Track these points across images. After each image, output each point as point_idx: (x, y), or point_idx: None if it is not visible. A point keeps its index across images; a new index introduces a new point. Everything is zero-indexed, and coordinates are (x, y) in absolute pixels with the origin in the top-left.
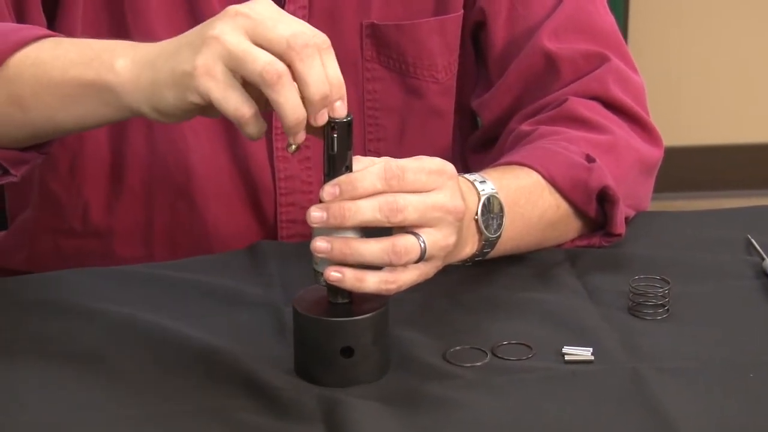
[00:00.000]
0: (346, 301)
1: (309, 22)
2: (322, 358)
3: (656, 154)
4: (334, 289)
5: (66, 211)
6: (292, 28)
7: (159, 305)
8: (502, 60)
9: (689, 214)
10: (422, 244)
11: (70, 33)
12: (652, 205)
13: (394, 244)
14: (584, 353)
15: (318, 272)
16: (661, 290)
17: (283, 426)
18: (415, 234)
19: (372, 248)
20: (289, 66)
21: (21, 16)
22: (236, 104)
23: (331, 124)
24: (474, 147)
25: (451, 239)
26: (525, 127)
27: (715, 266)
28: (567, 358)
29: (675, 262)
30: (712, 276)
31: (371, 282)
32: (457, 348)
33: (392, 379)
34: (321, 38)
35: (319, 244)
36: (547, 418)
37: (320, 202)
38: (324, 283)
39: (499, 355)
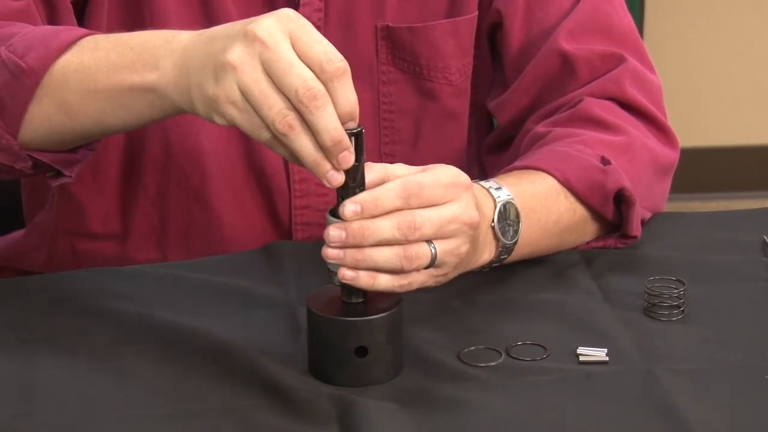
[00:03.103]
0: (360, 300)
1: (324, 25)
2: (336, 358)
3: (672, 156)
4: (349, 289)
5: (86, 214)
6: (300, 75)
7: (174, 305)
8: (518, 61)
9: (704, 215)
10: (433, 251)
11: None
12: (667, 206)
13: (406, 250)
14: (599, 354)
15: (332, 272)
16: (676, 291)
17: (297, 425)
18: (427, 241)
19: (384, 253)
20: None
21: (52, 19)
22: (260, 129)
23: (347, 134)
24: (490, 148)
25: (464, 248)
26: (540, 128)
27: (731, 267)
28: (582, 359)
29: (690, 264)
30: (728, 277)
31: (384, 280)
32: (472, 348)
33: (406, 379)
34: (337, 66)
35: (332, 251)
36: (561, 418)
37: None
38: (338, 283)
39: (514, 356)
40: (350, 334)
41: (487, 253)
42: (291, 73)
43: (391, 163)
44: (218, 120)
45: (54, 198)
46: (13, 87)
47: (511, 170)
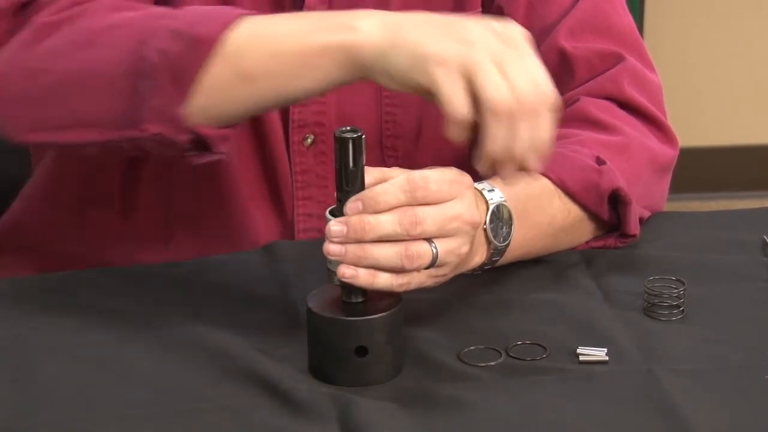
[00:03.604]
0: (360, 300)
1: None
2: (336, 357)
3: (671, 153)
4: (348, 289)
5: (96, 183)
6: (530, 84)
7: (174, 305)
8: None
9: (704, 214)
10: (434, 250)
11: None
12: (667, 206)
13: (407, 248)
14: (599, 354)
15: (332, 271)
16: (676, 291)
17: (297, 425)
18: (428, 240)
19: (385, 251)
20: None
21: None
22: (459, 103)
23: (345, 139)
24: None
25: (465, 248)
26: None
27: (731, 267)
28: (581, 358)
29: (690, 263)
30: (728, 277)
31: (384, 278)
32: (472, 348)
33: (406, 379)
34: (550, 102)
35: (333, 247)
36: (560, 418)
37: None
38: (338, 282)
39: (514, 356)
40: (350, 333)
41: (478, 256)
42: (524, 79)
43: (394, 155)
44: (419, 78)
45: (62, 167)
46: (187, 57)
47: None
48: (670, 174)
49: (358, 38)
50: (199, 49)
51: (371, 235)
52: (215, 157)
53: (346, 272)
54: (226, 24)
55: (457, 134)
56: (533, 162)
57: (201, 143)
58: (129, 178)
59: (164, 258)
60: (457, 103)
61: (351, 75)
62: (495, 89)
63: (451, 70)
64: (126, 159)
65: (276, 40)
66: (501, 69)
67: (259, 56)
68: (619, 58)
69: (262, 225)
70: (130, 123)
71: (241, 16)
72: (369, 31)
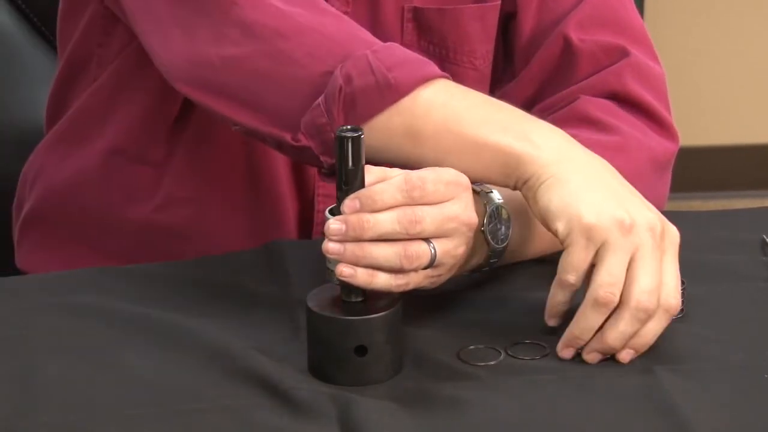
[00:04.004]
0: (359, 299)
1: (350, 6)
2: (336, 357)
3: (671, 147)
4: (348, 288)
5: (138, 132)
6: (652, 295)
7: (174, 304)
8: (527, 50)
9: (704, 214)
10: (433, 251)
11: None
12: (667, 206)
13: (406, 249)
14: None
15: (331, 270)
16: None
17: (297, 425)
18: (427, 240)
19: (384, 251)
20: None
21: None
22: (577, 273)
23: (345, 137)
24: None
25: (461, 249)
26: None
27: (730, 267)
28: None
29: (690, 263)
30: (727, 277)
31: (382, 279)
32: (471, 347)
33: (406, 378)
34: (666, 315)
35: (332, 246)
36: (560, 418)
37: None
38: (337, 282)
39: (514, 355)
40: (350, 333)
41: (476, 258)
42: (647, 288)
43: None
44: (560, 228)
45: (102, 111)
46: (371, 95)
47: None
48: (671, 171)
49: (531, 152)
50: (386, 93)
51: (370, 234)
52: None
53: (344, 271)
54: (422, 79)
55: (557, 296)
56: (625, 357)
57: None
58: (169, 137)
59: (187, 220)
60: (575, 273)
61: (502, 180)
62: (607, 277)
63: (591, 242)
64: (171, 119)
65: (458, 119)
66: (633, 268)
67: (434, 125)
68: (623, 53)
69: (286, 199)
70: (288, 127)
71: (438, 74)
72: (539, 147)
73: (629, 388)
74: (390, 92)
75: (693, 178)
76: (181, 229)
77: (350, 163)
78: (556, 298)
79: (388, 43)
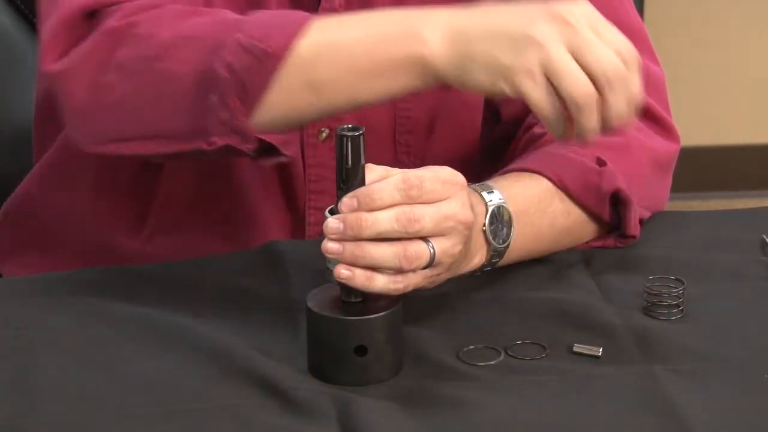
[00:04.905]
0: (359, 299)
1: (345, 11)
2: (336, 357)
3: (672, 148)
4: (348, 288)
5: (118, 168)
6: (609, 57)
7: (174, 304)
8: None
9: (704, 214)
10: (431, 250)
11: None
12: (667, 206)
13: (406, 249)
14: (594, 350)
15: (331, 271)
16: (675, 291)
17: (297, 425)
18: (425, 240)
19: (383, 252)
20: (599, 89)
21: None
22: (550, 108)
23: (343, 136)
24: (494, 143)
25: (458, 248)
26: (537, 129)
27: (730, 267)
28: (575, 349)
29: (690, 263)
30: (727, 276)
31: (380, 281)
32: (471, 347)
33: (406, 378)
34: (634, 60)
35: (331, 245)
36: (560, 417)
37: (333, 207)
38: (337, 282)
39: (513, 355)
40: (350, 333)
41: (478, 257)
42: (601, 55)
43: (407, 151)
44: (505, 88)
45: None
46: (256, 70)
47: (505, 173)
48: (672, 171)
49: (429, 51)
50: (267, 63)
51: (368, 232)
52: (282, 159)
53: (342, 273)
54: (294, 34)
55: (555, 131)
56: (628, 118)
57: (267, 148)
58: (147, 169)
59: (175, 250)
60: (546, 106)
61: (425, 84)
62: (573, 84)
63: (532, 76)
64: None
65: (346, 52)
66: (578, 55)
67: (330, 68)
68: None
69: (273, 218)
70: (198, 135)
71: (308, 22)
72: (438, 44)
73: (629, 388)
74: (271, 61)
75: (693, 178)
76: (170, 258)
77: (349, 162)
78: (559, 132)
79: (253, 15)
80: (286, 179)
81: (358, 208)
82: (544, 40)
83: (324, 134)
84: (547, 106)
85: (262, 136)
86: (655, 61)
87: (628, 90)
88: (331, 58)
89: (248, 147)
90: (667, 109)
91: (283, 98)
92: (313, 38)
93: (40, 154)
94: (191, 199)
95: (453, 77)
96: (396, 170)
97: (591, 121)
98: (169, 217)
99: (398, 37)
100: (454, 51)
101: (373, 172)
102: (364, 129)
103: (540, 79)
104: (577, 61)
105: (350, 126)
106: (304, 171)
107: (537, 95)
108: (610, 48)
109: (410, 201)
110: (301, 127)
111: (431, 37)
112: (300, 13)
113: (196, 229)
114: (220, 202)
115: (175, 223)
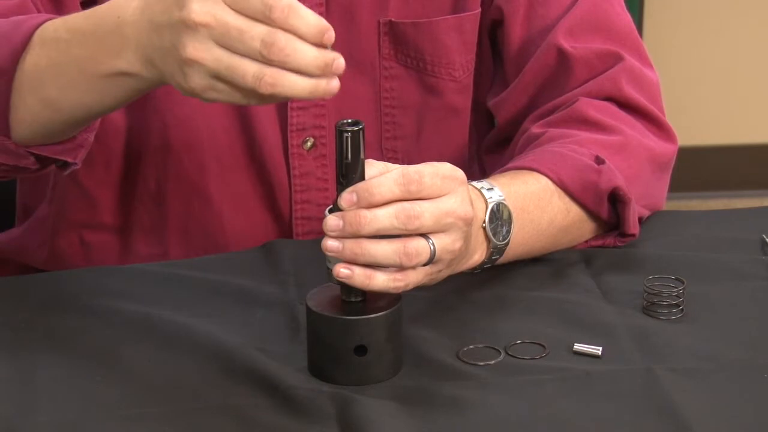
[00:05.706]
0: (359, 299)
1: (326, 19)
2: (336, 357)
3: (670, 149)
4: (348, 288)
5: (96, 205)
6: (258, 34)
7: (174, 304)
8: (518, 59)
9: (704, 213)
10: (432, 247)
11: None
12: (666, 205)
13: (406, 246)
14: (593, 350)
15: (331, 271)
16: (675, 290)
17: (296, 424)
18: (425, 237)
19: (383, 249)
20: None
21: (59, 8)
22: (247, 98)
23: (343, 131)
24: (489, 146)
25: (458, 244)
26: (535, 129)
27: (730, 266)
28: (575, 349)
29: (689, 262)
30: (727, 276)
31: (380, 280)
32: (471, 347)
33: (405, 378)
34: (281, 7)
35: (331, 243)
36: (560, 417)
37: (333, 206)
38: (337, 281)
39: (513, 354)
40: (349, 332)
41: (478, 254)
42: (246, 38)
43: (394, 157)
44: (206, 101)
45: (58, 191)
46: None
47: (504, 171)
48: (670, 172)
49: (129, 67)
50: (1, 81)
51: (368, 229)
52: (73, 168)
53: (341, 272)
54: (23, 44)
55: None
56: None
57: (52, 159)
58: (123, 199)
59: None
60: (248, 101)
61: (151, 85)
62: (246, 78)
63: (216, 87)
64: (117, 182)
65: (63, 72)
66: (228, 45)
67: (54, 87)
68: (617, 58)
69: (260, 232)
70: None
71: (29, 33)
72: (131, 60)
73: (629, 387)
74: (2, 78)
75: (693, 178)
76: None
77: (348, 157)
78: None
79: None
80: (269, 193)
81: (358, 203)
82: (196, 56)
83: (309, 143)
84: (246, 100)
85: (35, 151)
86: (648, 65)
87: (297, 45)
88: (53, 77)
89: (26, 163)
90: (662, 112)
91: (28, 115)
92: (37, 54)
93: (25, 212)
94: (172, 224)
95: (157, 80)
96: (396, 166)
97: (289, 91)
98: (151, 245)
99: (98, 54)
100: (148, 68)
101: (373, 167)
102: (363, 124)
103: (220, 86)
104: (235, 9)
105: (350, 121)
106: (289, 182)
107: (230, 98)
108: (252, 17)
109: (410, 196)
110: (73, 136)
111: (126, 55)
112: (32, 19)
113: (181, 254)
114: (202, 226)
115: (158, 251)
